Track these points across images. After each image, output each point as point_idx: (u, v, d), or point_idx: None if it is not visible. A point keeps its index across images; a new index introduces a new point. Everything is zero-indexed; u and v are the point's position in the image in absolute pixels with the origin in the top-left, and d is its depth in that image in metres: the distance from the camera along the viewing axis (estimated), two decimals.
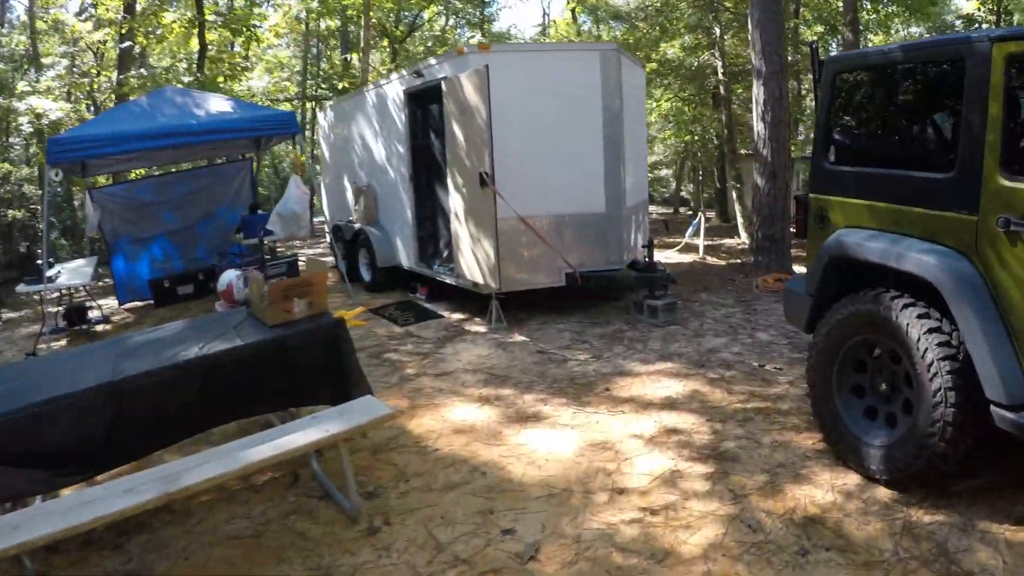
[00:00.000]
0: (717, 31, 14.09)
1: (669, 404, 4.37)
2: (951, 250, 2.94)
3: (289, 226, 7.48)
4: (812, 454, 3.58)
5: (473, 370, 5.20)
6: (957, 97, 3.05)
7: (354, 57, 19.59)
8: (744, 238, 13.65)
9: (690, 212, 21.91)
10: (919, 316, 2.95)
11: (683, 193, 24.07)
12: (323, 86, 20.70)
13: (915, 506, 3.03)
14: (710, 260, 10.36)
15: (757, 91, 8.21)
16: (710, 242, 11.48)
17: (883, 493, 3.14)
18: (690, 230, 10.53)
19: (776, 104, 8.01)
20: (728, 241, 13.20)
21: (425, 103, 7.33)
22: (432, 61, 6.90)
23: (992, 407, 2.67)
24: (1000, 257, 2.76)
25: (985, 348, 2.70)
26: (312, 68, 23.61)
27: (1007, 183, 2.74)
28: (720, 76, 14.30)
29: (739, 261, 9.54)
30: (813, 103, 5.76)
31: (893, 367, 3.19)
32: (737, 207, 14.16)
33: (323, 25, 21.28)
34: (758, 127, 8.22)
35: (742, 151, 15.13)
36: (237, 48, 18.48)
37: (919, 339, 2.91)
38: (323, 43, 23.55)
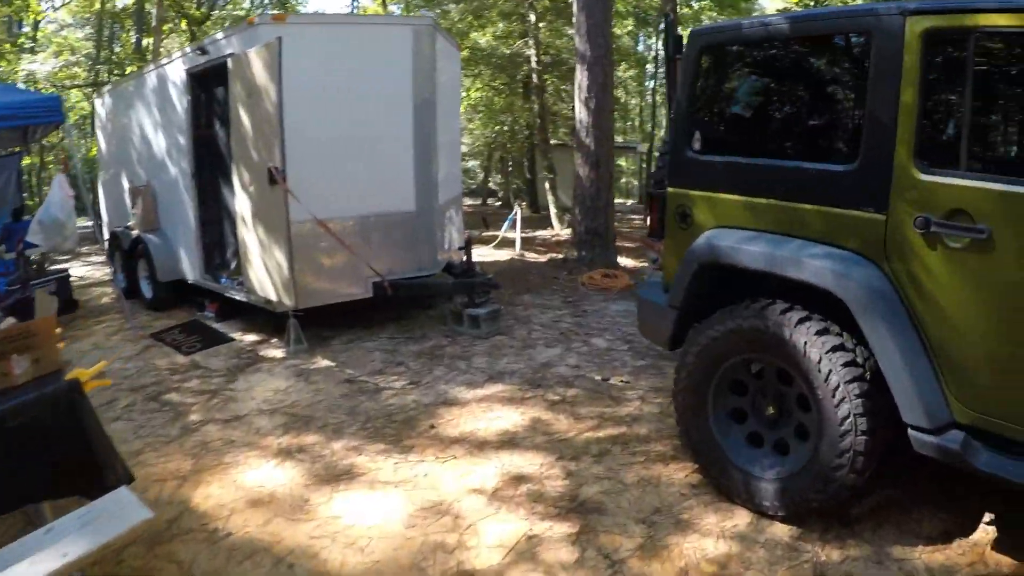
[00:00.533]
0: (532, 18, 13.72)
1: (509, 441, 3.63)
2: (855, 255, 2.52)
3: (52, 236, 5.97)
4: (688, 490, 3.06)
5: (270, 411, 4.13)
6: (858, 78, 2.62)
7: (148, 40, 17.24)
8: (558, 229, 13.51)
9: (499, 203, 21.68)
10: (818, 332, 2.52)
11: (491, 184, 23.92)
12: (115, 72, 18.23)
13: (820, 542, 2.63)
14: (529, 256, 9.87)
15: (581, 77, 7.77)
16: (524, 235, 11.00)
17: (781, 530, 2.71)
18: (506, 224, 9.94)
19: (601, 91, 7.63)
20: (542, 233, 12.96)
21: (211, 86, 6.02)
22: (219, 35, 5.66)
23: (911, 431, 2.35)
24: (917, 262, 2.37)
25: (902, 368, 2.35)
26: (105, 52, 20.78)
27: (924, 177, 2.34)
28: (533, 65, 13.99)
29: (561, 256, 9.12)
30: (656, 85, 5.26)
31: (781, 388, 2.76)
32: (550, 197, 14.01)
33: (120, 4, 18.86)
34: (581, 114, 7.79)
35: (553, 141, 15.00)
36: (25, 28, 15.58)
37: (820, 360, 2.48)
38: (118, 24, 20.59)
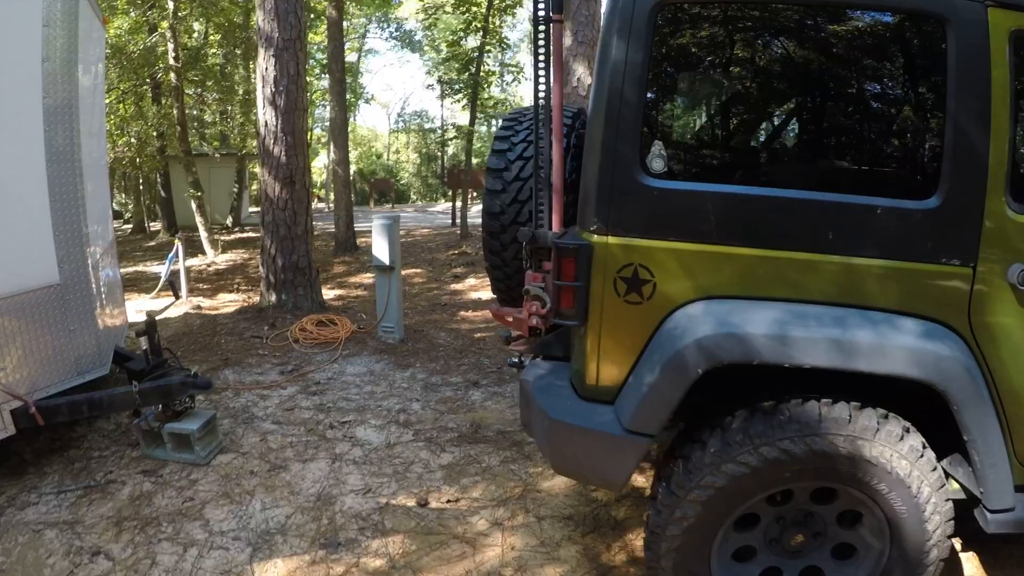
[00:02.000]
0: (171, 5, 10.68)
1: None
2: (937, 325, 1.94)
3: None
4: None
5: None
6: (921, 79, 1.94)
7: None
8: (212, 255, 10.88)
9: (129, 226, 17.33)
10: (900, 437, 1.93)
11: (114, 205, 18.99)
12: None
13: None
14: (207, 305, 7.35)
15: (265, 65, 5.91)
16: (175, 267, 8.26)
17: None
18: (165, 267, 7.18)
19: (292, 84, 5.92)
20: (193, 262, 10.12)
21: None
22: None
23: (991, 516, 1.98)
24: (1007, 322, 1.93)
25: (996, 453, 1.94)
26: None
27: (1018, 217, 1.88)
28: (172, 62, 10.97)
29: (253, 304, 6.90)
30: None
31: (813, 508, 2.11)
32: (199, 219, 11.24)
33: None
34: (266, 115, 5.97)
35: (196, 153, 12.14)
36: None
37: (911, 472, 1.93)
38: None
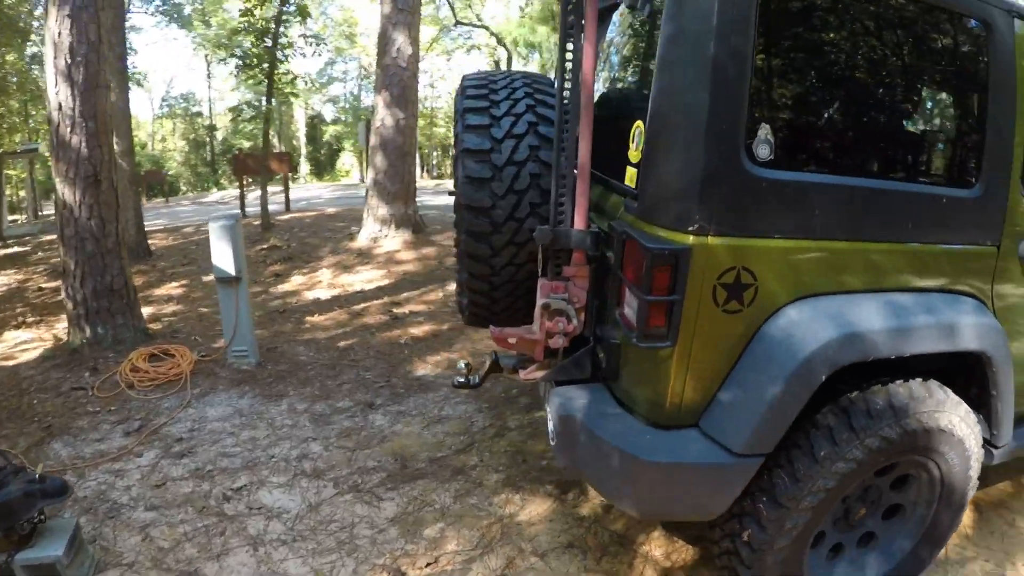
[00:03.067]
0: None
1: None
2: (976, 300, 2.21)
3: None
4: None
5: None
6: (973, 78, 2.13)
7: None
8: None
9: None
10: (959, 403, 2.16)
11: None
12: None
13: None
14: None
15: (58, 29, 4.44)
16: None
17: None
18: None
19: (93, 53, 4.57)
20: None
21: None
22: None
23: (996, 451, 2.39)
24: (1017, 296, 2.31)
25: (1009, 404, 2.30)
26: None
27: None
28: None
29: (59, 343, 5.30)
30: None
31: (872, 482, 2.26)
32: None
33: None
34: (60, 94, 4.51)
35: None
36: None
37: (967, 431, 2.17)
38: None
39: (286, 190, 13.31)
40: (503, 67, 29.47)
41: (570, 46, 2.06)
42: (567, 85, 2.06)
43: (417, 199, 8.70)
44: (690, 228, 1.80)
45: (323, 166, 35.13)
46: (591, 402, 2.15)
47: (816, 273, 1.94)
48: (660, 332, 1.85)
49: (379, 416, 3.99)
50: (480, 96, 2.38)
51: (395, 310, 5.97)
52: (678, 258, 1.80)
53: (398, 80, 7.83)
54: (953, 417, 2.07)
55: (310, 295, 6.79)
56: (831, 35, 1.99)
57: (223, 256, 4.41)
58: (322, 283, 7.18)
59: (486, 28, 27.21)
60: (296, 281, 7.38)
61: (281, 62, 9.74)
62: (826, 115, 2.09)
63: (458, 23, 27.28)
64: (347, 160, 33.85)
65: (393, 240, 8.09)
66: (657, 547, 2.79)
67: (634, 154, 2.05)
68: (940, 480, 2.21)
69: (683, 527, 2.88)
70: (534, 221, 2.28)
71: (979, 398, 2.24)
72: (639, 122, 2.02)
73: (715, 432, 1.93)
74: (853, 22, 2.00)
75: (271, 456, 3.49)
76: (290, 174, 14.85)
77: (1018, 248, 2.21)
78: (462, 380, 3.26)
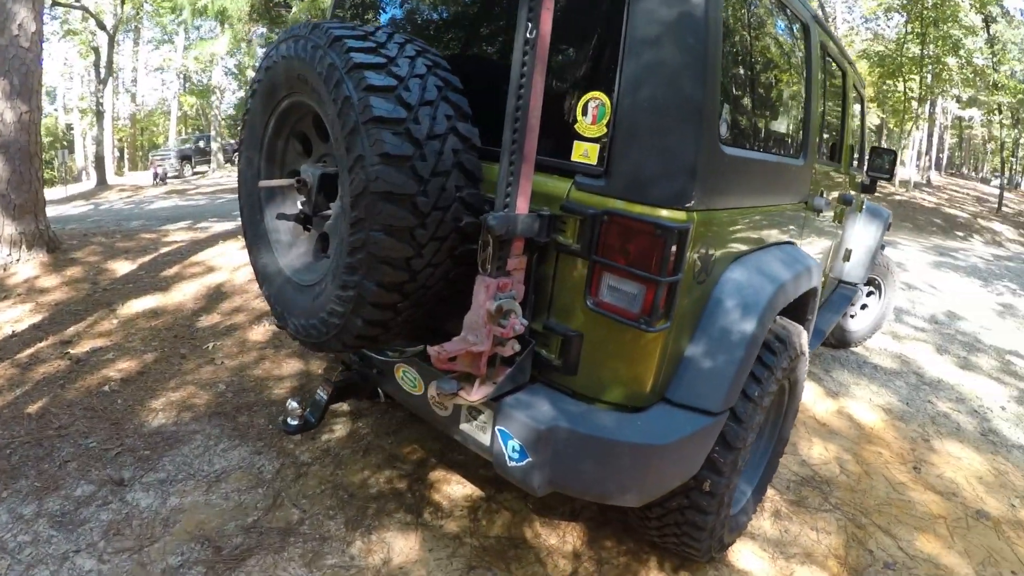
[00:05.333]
0: None
1: None
2: (801, 248, 2.88)
3: None
4: None
5: None
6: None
7: None
8: None
9: None
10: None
11: None
12: None
13: None
14: None
15: None
16: None
17: None
18: None
19: None
20: None
21: None
22: None
23: None
24: (810, 238, 3.21)
25: None
26: None
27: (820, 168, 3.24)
28: None
29: None
30: None
31: None
32: None
33: None
34: None
35: None
36: None
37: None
38: None
39: None
40: (103, 55, 23.72)
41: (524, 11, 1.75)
42: (526, 49, 1.74)
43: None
44: (687, 204, 1.78)
45: None
46: (558, 406, 1.94)
47: (740, 237, 2.16)
48: (665, 313, 1.80)
49: (140, 494, 2.90)
50: (370, 50, 1.83)
51: (71, 351, 4.32)
52: (682, 236, 1.76)
53: (20, 64, 5.97)
54: (803, 340, 2.53)
55: None
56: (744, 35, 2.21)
57: None
58: None
59: (85, 9, 21.52)
60: None
61: None
62: (748, 101, 2.28)
63: (55, 3, 20.91)
64: None
65: (28, 265, 5.98)
66: (552, 535, 2.72)
67: (591, 128, 1.86)
68: (788, 395, 2.70)
69: (565, 504, 2.88)
70: (458, 209, 1.89)
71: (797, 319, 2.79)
72: (594, 94, 1.85)
73: (691, 399, 1.99)
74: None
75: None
76: None
77: (812, 202, 2.86)
78: (295, 423, 2.59)
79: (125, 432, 3.40)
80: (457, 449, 3.21)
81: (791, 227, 2.69)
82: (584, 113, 1.88)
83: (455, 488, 3.00)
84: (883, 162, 4.32)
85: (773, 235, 2.49)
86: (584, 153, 1.90)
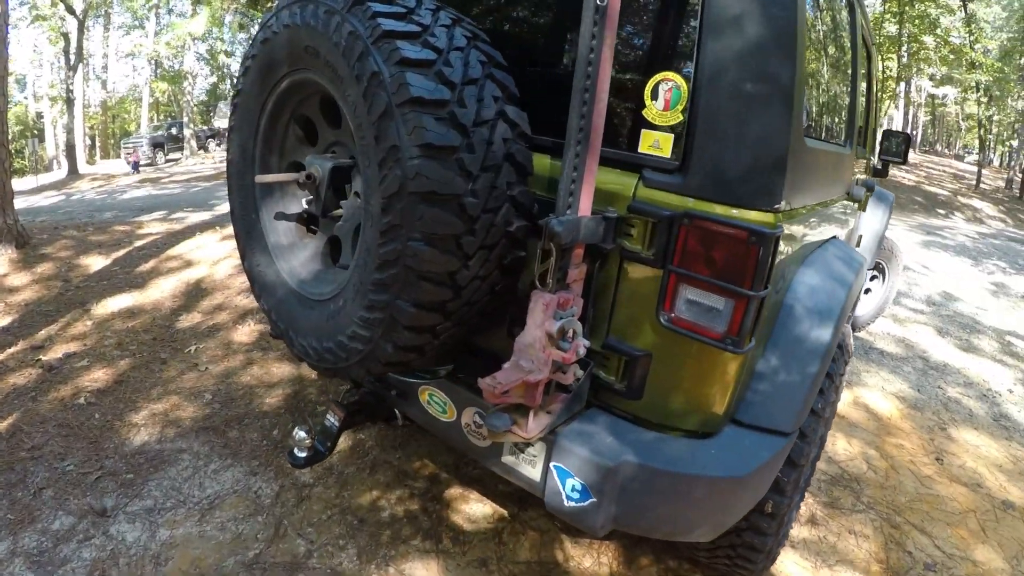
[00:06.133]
0: None
1: None
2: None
3: None
4: None
5: None
6: None
7: None
8: None
9: None
10: None
11: None
12: None
13: None
14: None
15: None
16: None
17: None
18: None
19: None
20: None
21: None
22: None
23: None
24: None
25: None
26: None
27: None
28: None
29: None
30: None
31: None
32: None
33: None
34: None
35: None
36: None
37: None
38: None
39: None
40: (73, 41, 22.29)
41: None
42: (595, 18, 1.45)
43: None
44: (776, 205, 1.53)
45: None
46: (624, 436, 1.69)
47: (807, 237, 1.92)
48: (752, 331, 1.58)
49: (125, 525, 2.59)
50: (399, 15, 1.52)
51: (43, 357, 3.91)
52: (776, 242, 1.53)
53: None
54: (851, 341, 2.36)
55: None
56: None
57: None
58: None
59: None
60: None
61: None
62: (816, 86, 2.04)
63: None
64: None
65: None
66: (585, 557, 2.51)
67: (664, 115, 1.60)
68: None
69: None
70: (509, 211, 1.61)
71: None
72: (666, 74, 1.58)
73: (763, 420, 1.77)
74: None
75: None
76: None
77: (853, 192, 2.67)
78: (305, 455, 2.30)
79: (105, 452, 3.06)
80: (471, 462, 2.96)
81: (839, 221, 2.48)
82: (654, 97, 1.62)
83: (474, 507, 2.75)
84: (893, 145, 4.17)
85: (827, 231, 2.29)
86: (654, 144, 1.64)
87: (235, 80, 2.09)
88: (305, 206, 2.07)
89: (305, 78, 1.82)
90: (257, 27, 1.91)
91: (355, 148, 1.65)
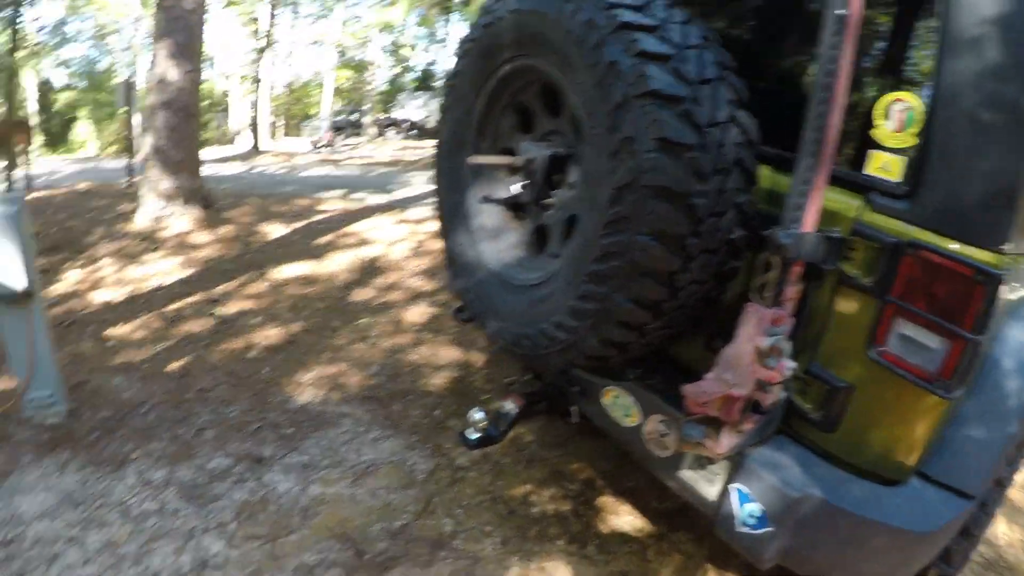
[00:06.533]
0: None
1: None
2: None
3: None
4: None
5: None
6: None
7: None
8: None
9: None
10: None
11: None
12: None
13: None
14: None
15: None
16: None
17: None
18: None
19: None
20: None
21: None
22: None
23: None
24: None
25: None
26: None
27: None
28: None
29: None
30: None
31: None
32: None
33: None
34: None
35: None
36: None
37: None
38: None
39: (27, 165, 10.40)
40: (262, 26, 24.93)
41: None
42: (836, 28, 1.41)
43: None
44: (1003, 246, 1.41)
45: (56, 138, 31.11)
46: (811, 469, 1.61)
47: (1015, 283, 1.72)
48: (963, 377, 1.49)
49: (279, 475, 2.80)
50: (636, 8, 1.53)
51: (218, 311, 4.39)
52: (1000, 284, 1.40)
53: (184, 25, 6.20)
54: None
55: (97, 297, 4.83)
56: None
57: (3, 262, 2.78)
58: (107, 279, 5.20)
59: None
60: (72, 278, 5.24)
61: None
62: None
63: None
64: (82, 130, 31.07)
65: (182, 219, 6.29)
66: None
67: (895, 137, 1.50)
68: None
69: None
70: (733, 218, 1.59)
71: None
72: (899, 94, 1.50)
73: (951, 478, 1.61)
74: None
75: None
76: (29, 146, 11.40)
77: None
78: (478, 436, 2.37)
79: (269, 405, 3.33)
80: (630, 475, 2.91)
81: None
82: (887, 117, 1.53)
83: (624, 519, 2.70)
84: None
85: None
86: (883, 166, 1.54)
87: (453, 62, 2.20)
88: (512, 191, 2.14)
89: (528, 64, 1.85)
90: (480, 11, 2.00)
91: (574, 138, 1.69)
